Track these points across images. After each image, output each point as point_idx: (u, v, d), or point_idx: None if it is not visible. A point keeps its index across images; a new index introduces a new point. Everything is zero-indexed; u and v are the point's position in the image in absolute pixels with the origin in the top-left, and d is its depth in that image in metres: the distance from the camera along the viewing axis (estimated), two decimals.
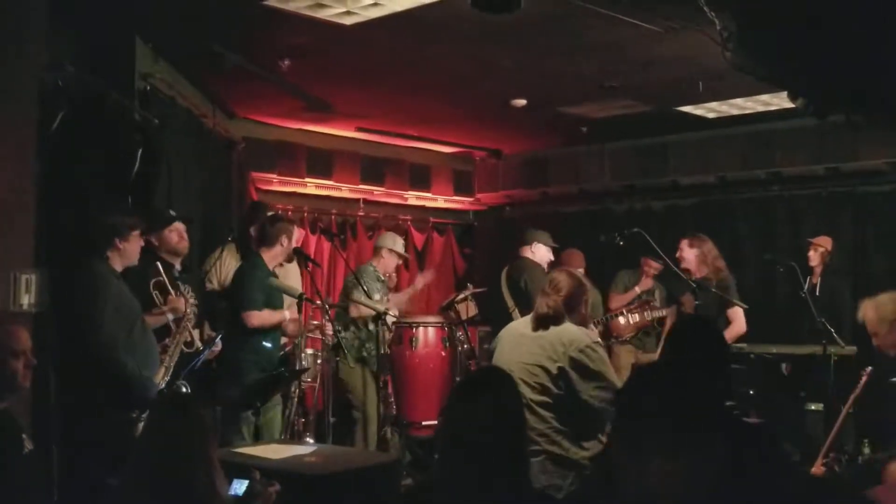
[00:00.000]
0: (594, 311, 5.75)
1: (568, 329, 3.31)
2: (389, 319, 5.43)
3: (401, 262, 5.98)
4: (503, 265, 6.36)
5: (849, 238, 6.45)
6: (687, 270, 5.18)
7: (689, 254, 5.21)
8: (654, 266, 6.36)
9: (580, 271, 5.59)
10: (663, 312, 5.82)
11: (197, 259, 5.18)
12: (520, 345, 3.36)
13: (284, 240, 4.65)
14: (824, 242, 5.93)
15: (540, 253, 5.59)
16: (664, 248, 5.25)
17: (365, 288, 5.41)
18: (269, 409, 4.49)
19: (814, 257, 5.88)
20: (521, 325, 3.49)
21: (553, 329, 3.30)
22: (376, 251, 5.88)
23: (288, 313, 4.62)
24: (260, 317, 4.55)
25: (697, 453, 1.64)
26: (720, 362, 2.23)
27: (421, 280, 6.01)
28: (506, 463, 1.91)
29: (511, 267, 5.60)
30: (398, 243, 5.87)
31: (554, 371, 3.23)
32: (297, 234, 4.81)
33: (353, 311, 5.44)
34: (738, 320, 4.97)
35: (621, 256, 6.46)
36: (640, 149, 7.27)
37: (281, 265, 5.04)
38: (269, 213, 5.09)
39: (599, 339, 3.37)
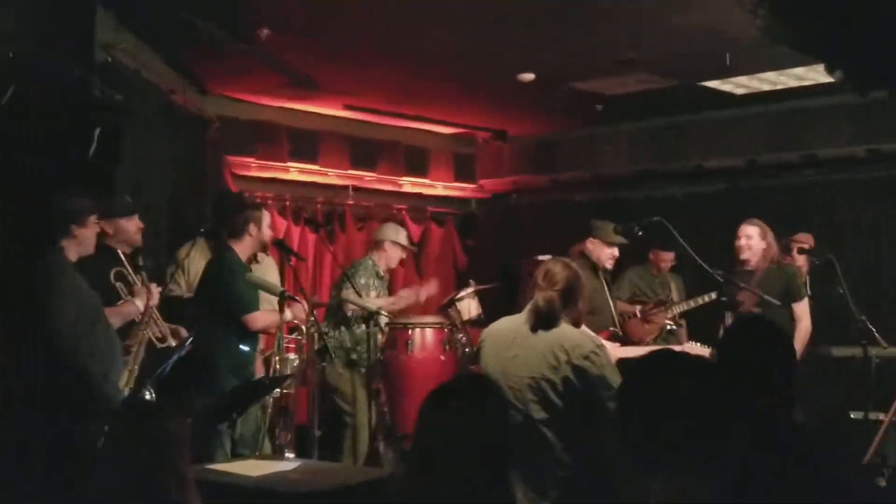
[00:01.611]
0: (605, 312, 5.71)
1: (567, 332, 3.22)
2: (382, 320, 5.40)
3: (405, 255, 5.96)
4: (509, 259, 6.34)
5: (893, 227, 6.42)
6: (745, 262, 5.08)
7: (756, 243, 5.06)
8: (666, 259, 6.32)
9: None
10: (692, 303, 5.77)
11: (164, 256, 5.13)
12: (510, 349, 3.26)
13: (252, 228, 4.60)
14: (806, 240, 5.84)
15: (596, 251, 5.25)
16: (686, 239, 5.21)
17: (355, 285, 5.38)
18: (246, 421, 4.45)
19: (797, 258, 5.76)
20: (508, 324, 3.37)
21: (552, 332, 3.21)
22: (377, 244, 5.85)
23: (290, 313, 4.58)
24: (264, 318, 4.52)
25: (715, 470, 1.61)
26: (781, 368, 2.17)
27: (423, 291, 5.96)
28: (485, 485, 1.88)
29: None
30: (402, 234, 5.84)
31: (558, 382, 3.15)
32: (268, 219, 4.75)
33: (349, 309, 5.41)
34: (805, 318, 4.90)
35: (639, 249, 6.43)
36: (661, 129, 7.24)
37: (255, 260, 5.00)
38: (234, 198, 5.04)
39: (602, 340, 3.30)
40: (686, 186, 7.38)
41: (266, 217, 4.72)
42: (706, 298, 5.75)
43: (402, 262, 6.90)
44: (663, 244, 5.97)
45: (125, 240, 4.23)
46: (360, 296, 5.33)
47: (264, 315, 4.55)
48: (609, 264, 5.22)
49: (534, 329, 3.23)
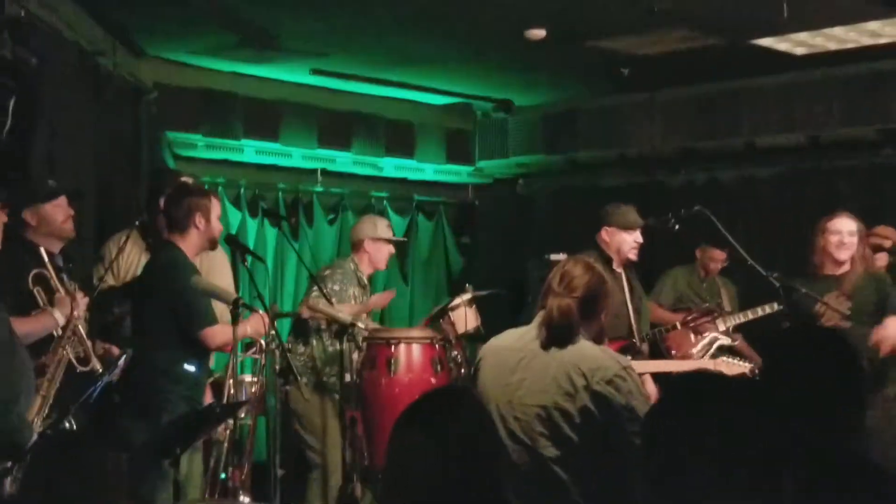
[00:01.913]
0: (643, 322, 5.75)
1: (587, 350, 3.22)
2: (359, 334, 5.43)
3: (393, 247, 5.99)
4: (515, 259, 6.37)
5: None
6: (835, 263, 5.05)
7: (849, 240, 5.01)
8: (717, 258, 6.36)
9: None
10: (750, 315, 5.81)
11: (91, 250, 5.16)
12: (515, 371, 3.26)
13: (199, 219, 4.62)
14: (889, 234, 5.81)
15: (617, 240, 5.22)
16: (736, 234, 5.26)
17: (326, 291, 5.41)
18: (193, 458, 4.48)
19: (877, 257, 5.67)
20: (513, 339, 3.37)
21: (568, 350, 3.21)
22: (356, 246, 5.89)
23: (250, 328, 4.61)
24: (224, 333, 4.53)
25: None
26: (843, 392, 2.20)
27: (375, 300, 5.97)
28: None
29: None
30: (381, 226, 5.88)
31: (574, 412, 3.16)
32: (218, 208, 4.78)
33: (317, 317, 5.45)
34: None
35: (678, 246, 6.46)
36: (703, 99, 7.27)
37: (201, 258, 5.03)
38: (175, 183, 5.06)
39: (628, 362, 3.32)
40: (735, 169, 7.42)
41: (216, 206, 4.74)
42: (767, 310, 5.79)
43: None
44: (714, 240, 6.00)
45: (52, 231, 4.25)
46: (330, 303, 5.36)
47: (223, 330, 4.57)
48: (633, 255, 5.18)
49: (545, 346, 3.25)
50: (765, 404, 1.85)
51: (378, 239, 5.82)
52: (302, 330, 5.69)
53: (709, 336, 5.95)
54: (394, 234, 6.03)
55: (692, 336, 6.04)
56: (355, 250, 5.87)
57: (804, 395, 2.13)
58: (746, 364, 5.20)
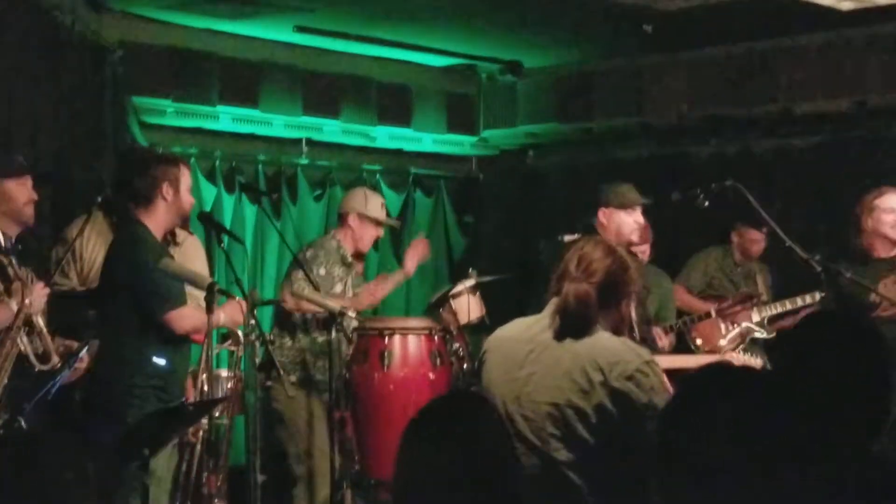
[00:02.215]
0: (664, 309, 5.74)
1: (605, 342, 3.22)
2: (349, 324, 5.42)
3: (381, 230, 5.98)
4: (524, 240, 6.32)
5: None
6: (889, 245, 5.03)
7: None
8: (755, 239, 6.35)
9: (641, 250, 5.63)
10: (788, 305, 5.81)
11: (47, 232, 5.14)
12: (523, 365, 3.27)
13: (167, 191, 4.60)
14: None
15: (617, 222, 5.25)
16: (771, 211, 5.24)
17: (313, 275, 5.40)
18: (163, 462, 4.48)
19: None
20: (522, 330, 3.38)
21: (583, 342, 3.21)
22: (340, 219, 5.89)
23: (224, 316, 4.60)
24: (193, 316, 4.53)
25: None
26: (872, 386, 2.20)
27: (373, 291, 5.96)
28: None
29: None
30: (373, 203, 5.86)
31: (589, 411, 3.16)
32: (188, 179, 4.75)
33: (301, 306, 5.43)
34: None
35: (706, 225, 6.45)
36: (734, 59, 7.25)
37: (174, 242, 5.01)
38: (142, 154, 5.05)
39: (650, 355, 3.32)
40: (770, 138, 7.41)
41: (186, 176, 4.72)
42: (808, 299, 5.79)
43: (375, 245, 6.91)
44: (750, 219, 5.98)
45: (11, 212, 4.25)
46: (316, 289, 5.35)
47: (193, 313, 4.58)
48: (635, 237, 5.16)
49: (559, 337, 3.25)
50: (784, 401, 1.85)
51: (366, 217, 5.80)
52: (286, 321, 5.69)
53: (742, 327, 5.94)
54: (388, 216, 6.00)
55: (722, 327, 6.04)
56: (340, 224, 5.87)
57: (824, 391, 2.12)
58: (758, 360, 5.21)
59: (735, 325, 5.99)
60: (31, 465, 2.29)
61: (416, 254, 6.02)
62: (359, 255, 5.94)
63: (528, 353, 3.28)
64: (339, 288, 5.67)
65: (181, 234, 5.15)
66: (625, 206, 5.12)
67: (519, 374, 3.26)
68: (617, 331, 3.31)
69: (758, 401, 1.83)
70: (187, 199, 4.69)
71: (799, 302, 5.86)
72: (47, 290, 4.27)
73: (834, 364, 2.19)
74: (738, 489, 1.74)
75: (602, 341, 3.23)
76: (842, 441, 2.04)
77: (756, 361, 5.16)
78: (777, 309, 5.98)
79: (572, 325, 3.24)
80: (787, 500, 1.75)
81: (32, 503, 2.21)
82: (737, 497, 1.74)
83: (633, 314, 3.69)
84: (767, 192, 5.92)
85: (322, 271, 5.61)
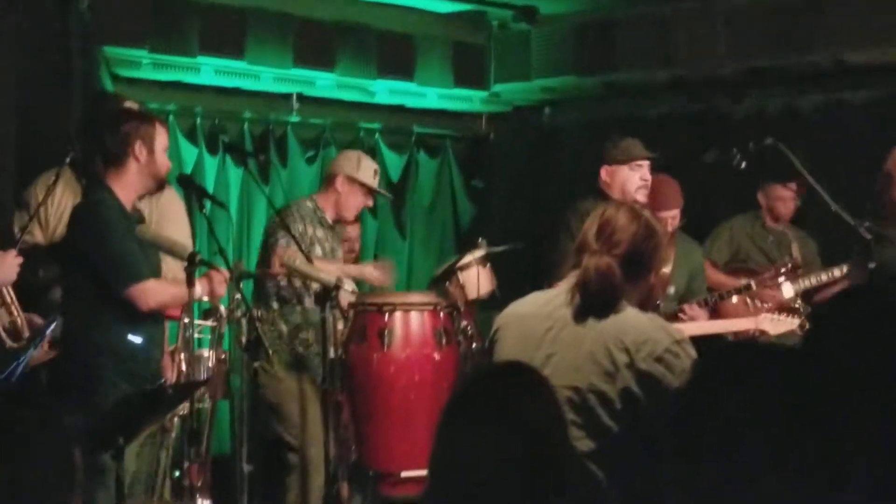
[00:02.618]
0: (695, 282, 5.74)
1: (631, 319, 3.21)
2: (345, 297, 5.43)
3: (370, 200, 5.98)
4: (539, 206, 6.29)
5: None
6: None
7: None
8: (784, 196, 6.30)
9: (671, 216, 5.62)
10: (824, 277, 5.79)
11: (10, 195, 5.15)
12: (541, 345, 3.27)
13: (139, 149, 4.60)
14: None
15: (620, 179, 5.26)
16: (818, 174, 5.23)
17: (296, 234, 5.42)
18: (140, 450, 4.50)
19: None
20: (538, 305, 3.38)
21: (608, 319, 3.21)
22: (326, 182, 5.90)
23: (201, 288, 4.61)
24: (158, 291, 4.53)
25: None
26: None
27: (373, 272, 5.97)
28: None
29: None
30: (364, 167, 5.87)
31: (614, 396, 3.17)
32: (164, 137, 4.75)
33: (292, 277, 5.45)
34: None
35: (744, 189, 6.43)
36: (777, 5, 7.21)
37: (145, 203, 5.02)
38: (113, 108, 5.04)
39: (682, 334, 3.32)
40: (817, 93, 7.38)
41: (162, 135, 4.71)
42: (836, 273, 5.79)
43: (372, 212, 6.93)
44: (780, 175, 5.96)
45: None
46: (309, 260, 5.35)
47: (159, 287, 4.58)
48: (641, 195, 5.18)
49: (579, 316, 3.25)
50: (811, 383, 1.86)
51: (356, 181, 5.80)
52: (271, 292, 5.71)
53: (773, 305, 5.91)
54: (378, 187, 5.99)
55: (750, 305, 6.02)
56: (324, 187, 5.89)
57: (857, 372, 2.12)
58: (796, 319, 5.22)
59: (764, 304, 5.96)
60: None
61: (381, 273, 6.00)
62: (342, 222, 5.95)
63: (546, 332, 3.28)
64: (318, 251, 5.67)
65: (161, 199, 5.16)
66: (627, 160, 5.14)
67: (536, 354, 3.26)
68: (645, 304, 3.32)
69: (790, 382, 1.83)
70: (162, 161, 4.69)
71: (836, 273, 5.85)
72: (20, 260, 4.28)
73: (870, 344, 2.19)
74: (759, 475, 1.75)
75: (628, 319, 3.23)
76: (871, 427, 2.04)
77: (793, 322, 5.17)
78: (812, 282, 5.96)
79: (594, 303, 3.23)
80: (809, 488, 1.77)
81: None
82: (757, 484, 1.76)
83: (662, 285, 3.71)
84: (813, 153, 5.87)
85: (300, 227, 5.62)
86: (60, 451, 2.32)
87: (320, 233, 5.77)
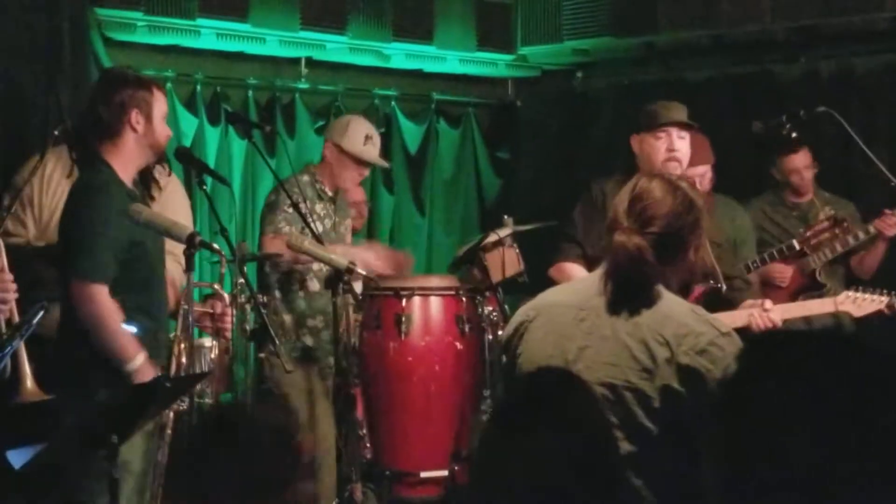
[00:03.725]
0: (744, 247, 5.63)
1: (671, 308, 3.18)
2: (358, 282, 5.42)
3: (364, 169, 5.93)
4: (572, 180, 6.26)
5: None
6: None
7: None
8: (797, 165, 6.22)
9: (698, 173, 5.55)
10: (861, 234, 5.74)
11: None
12: (574, 337, 3.24)
13: (136, 118, 4.55)
14: None
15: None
16: (876, 144, 5.20)
17: (288, 209, 5.42)
18: (133, 448, 4.50)
19: None
20: (571, 294, 3.36)
21: (646, 310, 3.17)
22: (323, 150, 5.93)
23: (180, 274, 4.59)
24: (103, 304, 4.38)
25: None
26: None
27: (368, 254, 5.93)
28: None
29: None
30: (355, 134, 5.81)
31: (653, 394, 3.14)
32: (163, 104, 4.73)
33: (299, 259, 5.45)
34: None
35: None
36: None
37: (157, 186, 5.01)
38: (109, 76, 5.02)
39: (727, 326, 3.26)
40: (874, 55, 7.35)
41: (160, 101, 4.68)
42: (861, 235, 5.77)
43: (388, 186, 6.91)
44: (788, 144, 5.88)
45: None
46: (320, 241, 5.34)
47: (109, 304, 4.49)
48: (671, 169, 4.88)
49: (612, 304, 3.21)
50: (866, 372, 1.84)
51: (343, 151, 5.76)
52: (275, 276, 5.71)
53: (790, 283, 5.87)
54: (376, 154, 5.92)
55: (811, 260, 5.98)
56: (322, 157, 5.89)
57: None
58: (882, 297, 5.14)
59: (823, 256, 5.91)
60: None
61: (385, 261, 5.90)
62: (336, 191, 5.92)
63: (580, 322, 3.25)
64: (319, 227, 5.64)
65: (162, 180, 5.15)
66: (651, 126, 4.95)
67: (568, 346, 3.23)
68: (686, 289, 3.28)
69: (833, 373, 1.82)
70: (161, 130, 4.66)
71: (862, 235, 5.79)
72: (9, 280, 4.28)
73: None
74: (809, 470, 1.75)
75: (668, 308, 3.19)
76: None
77: (879, 301, 5.09)
78: (828, 255, 5.92)
79: (625, 288, 3.20)
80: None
81: None
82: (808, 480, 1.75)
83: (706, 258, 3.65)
84: (870, 121, 5.85)
85: (290, 209, 5.58)
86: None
87: (319, 207, 5.75)
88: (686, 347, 3.12)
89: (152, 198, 5.06)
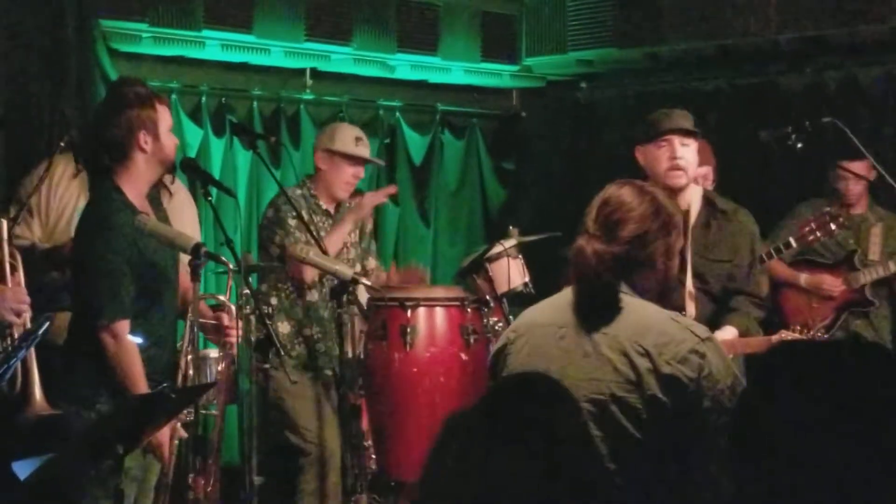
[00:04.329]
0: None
1: (650, 318, 3.14)
2: (363, 293, 5.43)
3: (359, 170, 5.89)
4: (577, 190, 6.25)
5: None
6: None
7: None
8: (854, 174, 6.21)
9: (704, 171, 5.50)
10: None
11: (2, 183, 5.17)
12: (552, 358, 3.20)
13: (143, 139, 4.53)
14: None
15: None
16: (882, 155, 5.20)
17: (292, 220, 5.42)
18: (140, 461, 4.51)
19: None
20: (552, 310, 3.31)
21: (623, 319, 3.14)
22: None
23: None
24: (128, 347, 4.41)
25: None
26: None
27: (371, 199, 5.93)
28: None
29: None
30: (341, 134, 5.81)
31: (639, 405, 3.10)
32: (167, 118, 4.72)
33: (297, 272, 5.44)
34: None
35: (800, 171, 6.39)
36: None
37: (165, 188, 5.02)
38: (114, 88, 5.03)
39: (708, 332, 3.23)
40: (880, 65, 7.34)
41: (164, 114, 4.67)
42: None
43: (392, 197, 6.89)
44: (848, 152, 5.86)
45: None
46: (324, 251, 5.34)
47: (130, 346, 4.48)
48: (673, 179, 4.81)
49: (582, 315, 3.18)
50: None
51: (334, 152, 5.76)
52: (278, 285, 5.72)
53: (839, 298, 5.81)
54: (368, 154, 5.92)
55: (819, 304, 5.96)
56: (315, 171, 5.89)
57: None
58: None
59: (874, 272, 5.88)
60: None
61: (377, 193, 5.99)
62: (337, 206, 5.91)
63: (559, 340, 3.22)
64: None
65: (172, 186, 5.18)
66: (652, 136, 4.88)
67: (550, 367, 3.18)
68: (661, 296, 3.25)
69: (852, 382, 1.83)
70: (169, 143, 4.64)
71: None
72: (23, 295, 4.30)
73: None
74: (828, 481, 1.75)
75: (645, 317, 3.16)
76: None
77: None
78: (878, 273, 5.91)
79: (592, 302, 3.17)
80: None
81: None
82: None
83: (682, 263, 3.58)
84: (876, 131, 5.85)
85: (293, 220, 5.59)
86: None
87: (317, 220, 5.73)
88: (667, 357, 3.09)
89: (161, 204, 5.08)
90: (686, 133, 4.84)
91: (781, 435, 1.79)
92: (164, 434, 4.45)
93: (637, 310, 3.16)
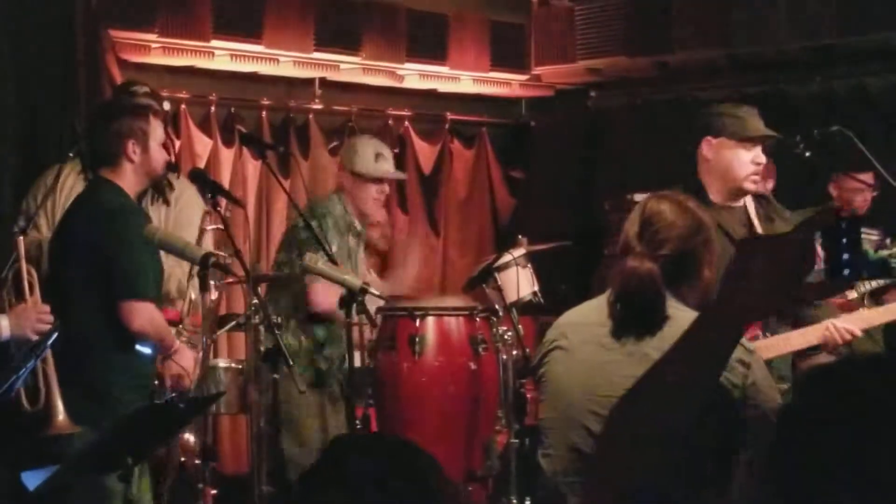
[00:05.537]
0: None
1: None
2: (373, 303, 5.43)
3: (384, 186, 5.87)
4: (586, 199, 6.28)
5: None
6: None
7: None
8: (856, 188, 6.20)
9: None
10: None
11: (10, 197, 5.17)
12: (596, 356, 3.25)
13: (132, 149, 4.54)
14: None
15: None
16: (892, 164, 5.19)
17: (326, 243, 5.40)
18: (148, 470, 4.52)
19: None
20: (594, 313, 3.34)
21: (667, 329, 3.16)
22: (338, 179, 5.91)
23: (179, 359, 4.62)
24: (154, 317, 4.47)
25: None
26: None
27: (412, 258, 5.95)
28: None
29: None
30: (363, 154, 5.72)
31: None
32: (160, 131, 4.72)
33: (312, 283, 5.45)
34: None
35: (808, 180, 6.38)
36: None
37: (165, 193, 5.03)
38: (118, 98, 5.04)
39: (749, 343, 3.26)
40: (890, 73, 7.33)
41: (156, 126, 4.67)
42: None
43: (402, 206, 6.87)
44: (854, 164, 5.85)
45: None
46: (334, 262, 5.34)
47: (157, 315, 4.55)
48: (751, 184, 4.56)
49: (623, 329, 3.23)
50: None
51: (358, 176, 5.70)
52: (289, 298, 5.70)
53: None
54: (391, 168, 5.88)
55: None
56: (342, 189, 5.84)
57: None
58: None
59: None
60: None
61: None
62: (371, 224, 5.90)
63: (603, 339, 3.28)
64: (348, 264, 5.62)
65: (187, 194, 5.19)
66: (744, 137, 4.52)
67: (594, 363, 3.26)
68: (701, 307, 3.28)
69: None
70: (158, 157, 4.64)
71: None
72: (45, 312, 4.31)
73: None
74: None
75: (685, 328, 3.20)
76: None
77: None
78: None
79: (637, 314, 3.22)
80: None
81: None
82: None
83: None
84: (886, 140, 5.84)
85: (335, 246, 5.53)
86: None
87: (351, 242, 5.66)
88: None
89: (167, 202, 5.09)
90: (768, 139, 4.65)
91: (824, 455, 1.78)
92: (188, 359, 4.62)
93: (684, 319, 3.15)
